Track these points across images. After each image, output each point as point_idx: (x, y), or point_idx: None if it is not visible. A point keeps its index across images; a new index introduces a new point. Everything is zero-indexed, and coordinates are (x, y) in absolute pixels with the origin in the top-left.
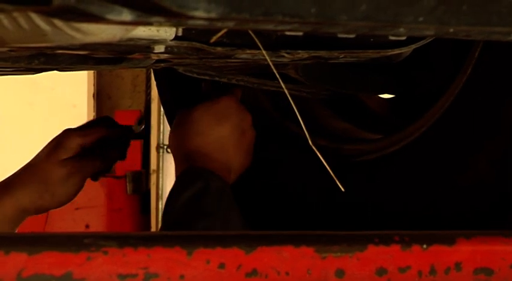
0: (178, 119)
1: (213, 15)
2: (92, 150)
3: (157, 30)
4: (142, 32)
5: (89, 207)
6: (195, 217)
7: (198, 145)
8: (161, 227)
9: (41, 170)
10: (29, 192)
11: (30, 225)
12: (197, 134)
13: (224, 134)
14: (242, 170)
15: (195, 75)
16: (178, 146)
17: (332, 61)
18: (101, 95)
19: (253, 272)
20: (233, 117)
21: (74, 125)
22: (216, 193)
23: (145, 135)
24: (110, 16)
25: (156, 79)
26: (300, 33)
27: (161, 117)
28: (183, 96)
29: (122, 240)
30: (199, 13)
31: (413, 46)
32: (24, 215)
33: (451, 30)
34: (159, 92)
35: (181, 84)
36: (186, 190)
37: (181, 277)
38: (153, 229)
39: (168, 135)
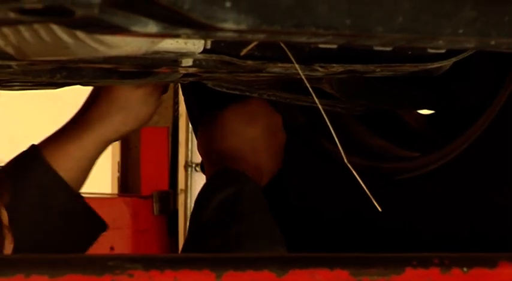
0: (207, 121)
1: (243, 27)
2: None
3: (185, 43)
4: (169, 44)
5: (114, 228)
6: (228, 221)
7: (230, 146)
8: (189, 229)
9: (115, 98)
10: (111, 122)
11: None
12: (229, 135)
13: (255, 136)
14: (273, 173)
15: (224, 90)
16: (208, 147)
17: (368, 75)
18: None
19: None
20: (264, 119)
21: None
22: (250, 197)
23: (173, 154)
24: (135, 28)
25: (183, 93)
26: (334, 46)
27: (189, 134)
28: (210, 98)
29: (148, 262)
30: (228, 25)
31: (454, 59)
32: (107, 146)
33: (492, 42)
34: (184, 97)
35: (207, 89)
36: (219, 192)
37: None
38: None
39: (196, 152)
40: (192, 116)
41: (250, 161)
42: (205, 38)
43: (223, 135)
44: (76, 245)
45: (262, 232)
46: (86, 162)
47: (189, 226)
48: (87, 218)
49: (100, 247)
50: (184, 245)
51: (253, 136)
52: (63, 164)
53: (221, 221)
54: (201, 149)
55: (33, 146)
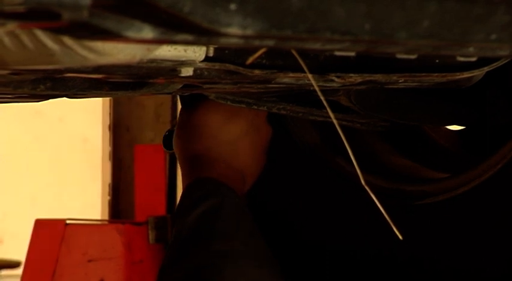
0: (182, 121)
1: (249, 32)
2: None
3: (185, 50)
4: (166, 52)
5: (104, 259)
6: (207, 239)
7: (207, 148)
8: (168, 248)
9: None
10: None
11: (35, 280)
12: (205, 136)
13: (236, 134)
14: (258, 174)
15: (228, 103)
16: (183, 152)
17: (390, 86)
18: (117, 127)
19: None
20: (245, 113)
21: (86, 161)
22: (232, 211)
23: (171, 174)
24: (129, 33)
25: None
26: (352, 54)
27: None
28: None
29: None
30: (233, 30)
31: (486, 69)
32: None
33: None
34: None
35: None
36: (196, 206)
37: None
38: None
39: None
40: None
41: (231, 165)
42: (207, 45)
43: (199, 137)
44: None
45: (245, 251)
46: None
47: (169, 245)
48: None
49: (89, 280)
50: (160, 266)
51: (233, 135)
52: None
53: (199, 239)
54: (176, 154)
55: None
